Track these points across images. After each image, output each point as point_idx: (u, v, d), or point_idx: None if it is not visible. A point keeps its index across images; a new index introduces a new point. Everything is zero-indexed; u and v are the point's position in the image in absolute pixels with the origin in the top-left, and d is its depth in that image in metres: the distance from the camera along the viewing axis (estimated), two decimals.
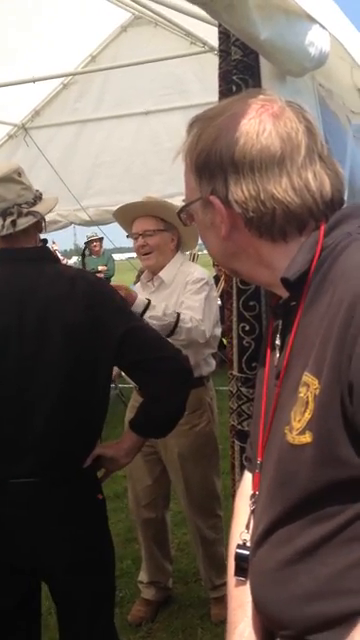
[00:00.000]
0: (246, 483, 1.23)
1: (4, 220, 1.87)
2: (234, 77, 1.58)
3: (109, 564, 2.04)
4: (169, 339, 2.58)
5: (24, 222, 1.90)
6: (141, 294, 3.01)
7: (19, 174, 1.93)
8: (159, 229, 2.90)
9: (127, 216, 3.00)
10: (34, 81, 4.74)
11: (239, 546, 1.12)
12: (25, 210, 1.89)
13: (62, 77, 5.37)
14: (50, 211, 1.99)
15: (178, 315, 2.67)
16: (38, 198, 1.95)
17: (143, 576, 3.20)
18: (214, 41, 4.24)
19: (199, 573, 3.21)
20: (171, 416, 2.02)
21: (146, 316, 2.57)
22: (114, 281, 7.71)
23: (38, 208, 1.93)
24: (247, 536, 1.12)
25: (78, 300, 1.87)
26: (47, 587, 2.02)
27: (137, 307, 2.57)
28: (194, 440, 2.91)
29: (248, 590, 1.09)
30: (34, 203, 1.93)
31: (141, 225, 2.92)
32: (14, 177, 1.92)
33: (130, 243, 3.10)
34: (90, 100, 5.51)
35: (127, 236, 3.02)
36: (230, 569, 1.15)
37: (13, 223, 1.87)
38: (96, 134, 5.57)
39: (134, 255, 3.28)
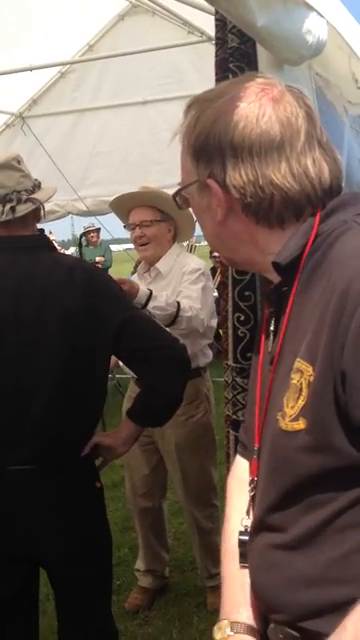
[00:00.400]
0: (238, 466, 1.23)
1: (3, 206, 1.87)
2: (230, 65, 1.57)
3: (107, 552, 2.05)
4: (169, 328, 2.59)
5: (23, 209, 1.90)
6: (138, 283, 3.02)
7: (18, 162, 1.93)
8: (156, 219, 2.89)
9: (123, 206, 2.98)
10: (31, 69, 4.72)
11: (241, 532, 1.12)
12: (24, 197, 1.89)
13: (59, 66, 5.34)
14: (49, 199, 1.99)
15: (178, 304, 2.67)
16: (37, 186, 1.95)
17: (140, 564, 3.22)
18: (212, 31, 4.23)
19: (195, 562, 3.22)
20: (169, 405, 2.02)
21: (149, 307, 2.57)
22: (111, 272, 7.70)
23: (37, 196, 1.93)
24: (248, 522, 1.12)
25: (76, 288, 1.87)
26: (45, 574, 2.04)
27: (140, 298, 2.57)
28: (191, 431, 2.91)
29: (243, 574, 1.10)
30: (33, 191, 1.92)
31: (138, 216, 2.91)
32: (13, 164, 1.91)
33: (128, 234, 3.09)
34: (88, 89, 5.49)
35: (124, 226, 3.01)
36: (225, 555, 1.15)
37: (12, 209, 1.87)
38: (94, 123, 5.55)
39: (131, 246, 3.26)
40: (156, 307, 2.58)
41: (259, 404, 1.09)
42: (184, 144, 1.08)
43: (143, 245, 2.93)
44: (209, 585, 3.08)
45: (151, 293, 2.61)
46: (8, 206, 1.87)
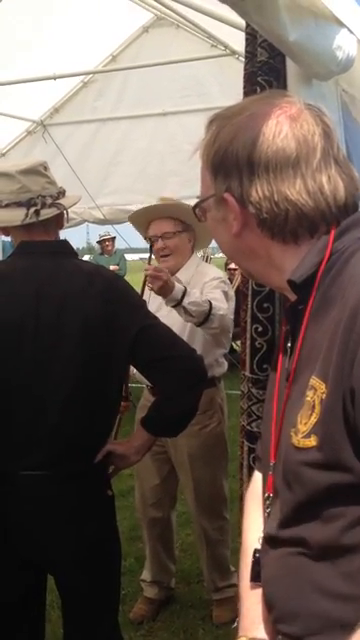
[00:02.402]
0: (256, 483, 1.23)
1: (28, 209, 1.89)
2: (259, 79, 1.59)
3: (116, 561, 2.04)
4: (202, 327, 2.62)
5: (48, 213, 1.91)
6: (155, 294, 3.02)
7: (45, 168, 1.95)
8: (178, 231, 2.90)
9: (143, 218, 2.99)
10: (55, 78, 4.78)
11: (257, 551, 1.12)
12: (49, 202, 1.91)
13: (82, 75, 5.41)
14: (73, 205, 2.00)
15: (210, 302, 2.67)
16: (62, 193, 1.97)
17: (146, 575, 3.20)
18: (235, 44, 4.32)
19: (202, 574, 3.20)
20: (183, 415, 2.02)
21: (185, 302, 2.56)
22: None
23: (62, 202, 1.95)
24: None
25: (95, 295, 1.88)
26: (51, 581, 2.03)
27: (176, 294, 2.56)
28: (204, 441, 2.90)
29: (260, 593, 1.09)
30: (57, 197, 1.94)
31: (159, 227, 2.91)
32: (40, 170, 1.94)
33: (143, 243, 3.09)
34: (109, 99, 5.55)
35: (144, 238, 3.02)
36: (243, 572, 1.15)
37: (37, 213, 1.89)
38: (113, 133, 5.61)
39: (147, 255, 3.28)
40: (192, 303, 2.58)
41: (275, 421, 1.10)
42: (204, 159, 1.10)
43: (165, 256, 2.94)
44: (215, 598, 3.06)
45: (186, 289, 2.61)
46: (32, 209, 1.88)
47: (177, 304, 2.57)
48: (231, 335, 3.05)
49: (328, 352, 0.91)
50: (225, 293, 2.85)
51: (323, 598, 0.94)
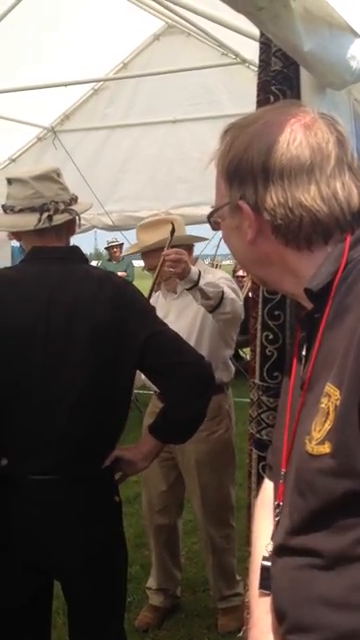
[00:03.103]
0: (266, 491, 1.23)
1: (40, 215, 1.90)
2: (272, 87, 1.59)
3: (122, 567, 2.04)
4: (215, 313, 2.65)
5: (60, 218, 1.93)
6: (162, 300, 3.03)
7: (58, 174, 1.97)
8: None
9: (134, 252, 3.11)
10: (65, 85, 4.80)
11: (265, 558, 1.12)
12: (62, 207, 1.92)
13: (93, 82, 5.43)
14: (85, 212, 2.01)
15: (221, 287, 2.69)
16: (74, 200, 1.98)
17: (152, 582, 3.19)
18: (246, 52, 4.33)
19: (208, 583, 3.19)
20: (191, 422, 2.02)
21: (201, 283, 2.57)
22: None
23: (74, 207, 1.96)
24: (272, 548, 1.11)
25: (105, 301, 1.89)
26: (57, 587, 2.03)
27: (193, 275, 2.57)
28: (212, 447, 2.91)
29: (269, 602, 1.09)
30: (70, 204, 1.95)
31: (148, 261, 2.96)
32: (53, 176, 1.95)
33: None
34: (120, 106, 5.56)
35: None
36: (253, 581, 1.14)
37: (49, 218, 1.90)
38: (124, 140, 5.62)
39: None
40: (208, 284, 2.61)
41: (288, 428, 1.09)
42: (218, 168, 1.11)
43: (167, 279, 2.97)
44: (221, 607, 3.05)
45: (200, 272, 2.62)
46: (45, 215, 1.90)
47: (194, 286, 2.57)
48: (238, 330, 3.05)
49: (343, 359, 0.92)
50: (232, 288, 2.85)
51: (333, 611, 0.93)
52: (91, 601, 1.96)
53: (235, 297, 2.75)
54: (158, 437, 2.03)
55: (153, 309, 2.08)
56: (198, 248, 3.17)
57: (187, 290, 2.64)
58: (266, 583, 1.10)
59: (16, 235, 2.02)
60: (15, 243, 2.14)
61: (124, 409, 2.02)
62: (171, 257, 2.53)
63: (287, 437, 1.09)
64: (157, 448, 2.06)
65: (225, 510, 3.01)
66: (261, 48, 1.61)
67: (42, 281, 1.91)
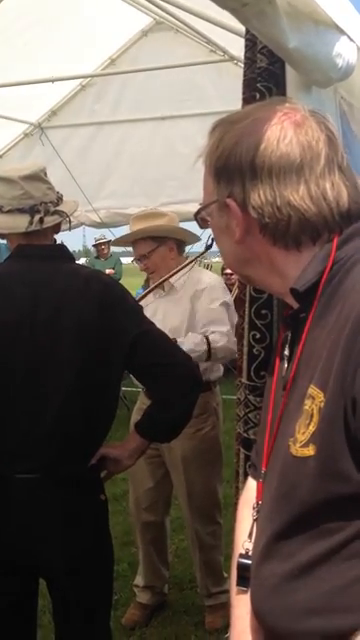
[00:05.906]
0: (250, 491, 1.22)
1: (32, 217, 1.88)
2: (258, 85, 1.58)
3: (109, 565, 2.03)
4: (210, 363, 2.72)
5: (51, 220, 1.92)
6: (150, 298, 3.02)
7: (45, 174, 1.96)
8: (152, 249, 2.95)
9: (122, 243, 3.18)
10: (52, 81, 4.77)
11: (241, 555, 1.11)
12: (52, 209, 1.91)
13: (81, 78, 5.40)
14: (73, 213, 2.00)
15: (207, 339, 2.75)
16: (60, 199, 1.97)
17: (139, 580, 3.19)
18: (234, 49, 4.32)
19: (195, 580, 3.19)
20: (177, 422, 2.02)
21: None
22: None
23: (62, 208, 1.94)
24: (249, 545, 1.11)
25: (92, 299, 1.88)
26: (43, 585, 2.02)
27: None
28: (198, 444, 2.91)
29: (248, 600, 1.08)
30: (57, 203, 1.94)
31: (137, 250, 3.01)
32: (41, 176, 1.94)
33: None
34: (107, 103, 5.54)
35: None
36: (233, 578, 1.14)
37: (41, 220, 1.89)
38: (111, 136, 5.60)
39: None
40: (188, 351, 2.58)
41: (269, 428, 1.09)
42: (206, 165, 1.09)
43: (151, 273, 3.04)
44: (208, 604, 3.05)
45: (175, 340, 2.61)
46: (37, 217, 1.88)
47: None
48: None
49: (327, 361, 0.91)
50: (225, 304, 2.89)
51: (315, 617, 0.93)
52: (77, 600, 1.95)
53: (223, 340, 2.77)
54: (144, 435, 2.03)
55: (141, 308, 2.07)
56: (189, 245, 3.18)
57: None
58: (243, 581, 1.10)
59: (1, 234, 2.00)
60: (1, 240, 2.11)
61: (112, 408, 2.01)
62: None
63: (268, 437, 1.09)
64: (143, 446, 2.06)
65: (211, 506, 3.01)
66: (247, 45, 1.60)
67: (28, 279, 1.89)
